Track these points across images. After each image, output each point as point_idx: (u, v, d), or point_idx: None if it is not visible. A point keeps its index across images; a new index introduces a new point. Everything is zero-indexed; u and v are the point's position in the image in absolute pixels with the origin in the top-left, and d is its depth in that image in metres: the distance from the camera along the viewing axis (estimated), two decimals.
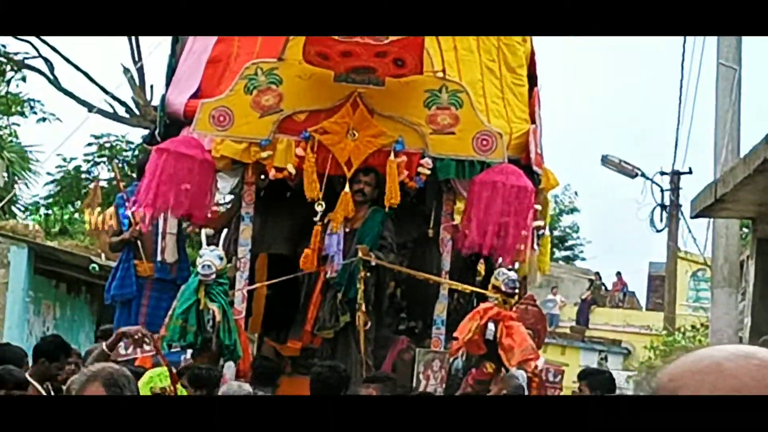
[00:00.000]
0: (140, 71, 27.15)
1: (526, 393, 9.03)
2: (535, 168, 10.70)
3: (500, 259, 10.23)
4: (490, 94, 10.94)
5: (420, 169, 10.18)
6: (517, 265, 10.25)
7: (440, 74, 10.45)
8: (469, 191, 10.28)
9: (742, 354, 1.66)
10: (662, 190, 32.21)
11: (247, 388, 7.98)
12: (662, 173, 31.97)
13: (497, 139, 10.27)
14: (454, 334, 9.65)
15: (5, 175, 24.67)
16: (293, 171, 10.11)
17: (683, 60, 22.94)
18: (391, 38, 9.82)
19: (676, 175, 31.10)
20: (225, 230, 10.52)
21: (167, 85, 11.68)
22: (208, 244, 9.65)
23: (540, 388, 9.36)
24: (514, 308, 9.64)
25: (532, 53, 11.70)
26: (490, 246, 10.21)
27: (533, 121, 11.00)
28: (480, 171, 10.24)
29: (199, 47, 11.24)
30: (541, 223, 11.01)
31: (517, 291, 9.79)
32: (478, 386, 9.31)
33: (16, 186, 27.68)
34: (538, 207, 10.75)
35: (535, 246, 10.85)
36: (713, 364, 1.65)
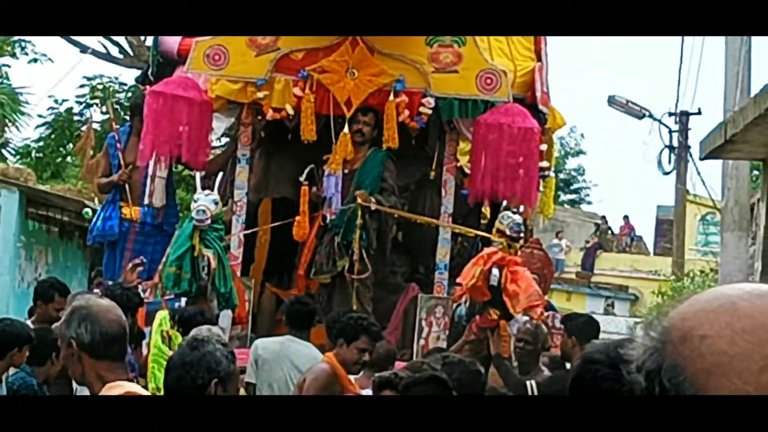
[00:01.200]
0: None
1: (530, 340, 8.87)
2: (540, 107, 10.68)
3: (505, 202, 10.25)
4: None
5: (422, 109, 10.20)
6: (522, 208, 10.23)
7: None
8: (474, 133, 10.32)
9: (756, 293, 1.63)
10: (670, 132, 32.10)
11: (216, 331, 7.89)
12: (670, 114, 31.62)
13: (501, 78, 10.27)
14: (458, 280, 9.63)
15: None
16: (291, 111, 10.15)
17: None
18: None
19: (684, 115, 30.88)
20: (220, 173, 10.47)
21: None
22: (203, 188, 9.65)
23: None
24: (519, 252, 9.58)
25: None
26: (501, 194, 10.25)
27: (539, 59, 10.96)
28: (484, 110, 10.26)
29: None
30: (546, 164, 10.97)
31: (522, 235, 9.73)
32: (482, 333, 9.18)
33: (6, 129, 28.06)
34: (544, 147, 10.73)
35: (540, 188, 10.88)
36: (728, 303, 1.62)
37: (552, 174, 11.56)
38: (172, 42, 10.67)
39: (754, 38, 17.12)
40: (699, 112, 30.49)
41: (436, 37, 10.18)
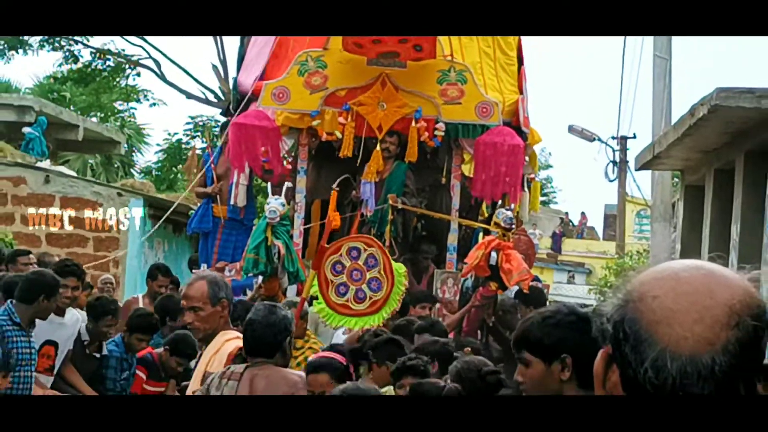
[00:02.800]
0: (224, 65, 27.25)
1: (519, 310, 8.86)
2: (523, 128, 10.66)
3: (499, 201, 10.26)
4: (487, 73, 10.93)
5: (436, 132, 10.15)
6: (513, 206, 10.16)
7: (449, 58, 10.45)
8: (474, 149, 10.27)
9: (694, 267, 1.73)
10: (613, 151, 32.28)
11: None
12: (613, 138, 31.97)
13: (494, 107, 10.22)
14: (465, 260, 9.51)
15: (126, 146, 24.91)
16: (340, 135, 10.10)
17: (624, 52, 23.87)
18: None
19: (623, 139, 31.04)
20: (285, 182, 10.32)
21: (238, 69, 11.77)
22: (273, 194, 9.53)
23: None
24: (510, 239, 9.46)
25: (520, 40, 11.64)
26: (496, 195, 10.30)
27: (521, 92, 10.98)
28: (481, 132, 10.23)
29: (262, 39, 11.21)
30: (531, 173, 11.06)
31: (513, 226, 9.66)
32: (484, 300, 9.11)
33: (134, 154, 29.04)
34: (527, 159, 10.77)
35: (525, 189, 10.80)
36: (673, 273, 1.72)
37: (537, 179, 11.49)
38: (248, 85, 10.72)
39: (673, 83, 17.60)
40: (634, 136, 30.92)
41: (444, 77, 10.16)
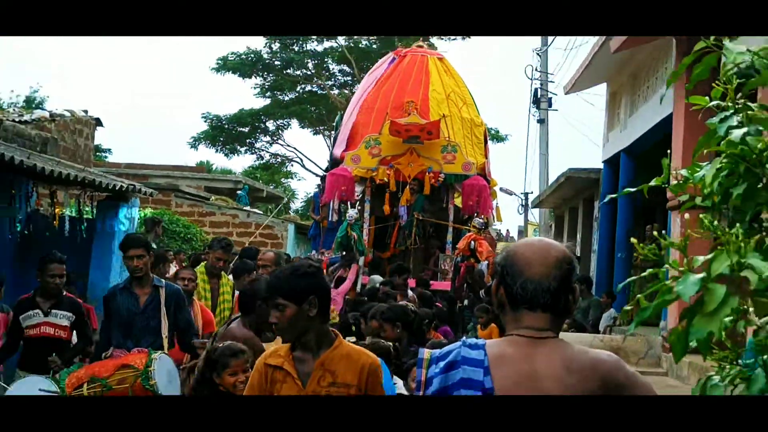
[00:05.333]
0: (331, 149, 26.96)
1: (486, 274, 8.80)
2: (488, 177, 10.63)
3: (475, 215, 10.12)
4: (468, 146, 10.79)
5: (439, 179, 10.16)
6: (483, 217, 10.10)
7: (448, 139, 10.40)
8: (462, 188, 10.20)
9: (540, 239, 1.79)
10: (523, 199, 30.27)
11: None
12: (523, 193, 29.76)
13: (472, 165, 10.22)
14: (457, 246, 9.67)
15: (285, 199, 24.16)
16: (386, 180, 10.13)
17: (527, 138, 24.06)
18: (426, 122, 10.01)
19: (525, 194, 28.43)
20: (357, 205, 10.37)
21: (333, 146, 11.75)
22: (351, 207, 9.82)
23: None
24: (482, 234, 9.64)
25: (486, 130, 11.53)
26: (475, 211, 10.15)
27: (486, 157, 10.95)
28: (465, 179, 10.16)
29: (345, 129, 11.10)
30: (495, 203, 10.88)
31: (484, 227, 9.77)
32: (467, 272, 9.18)
33: (290, 203, 27.71)
34: (492, 192, 10.70)
35: (493, 211, 10.71)
36: (530, 241, 1.80)
37: (497, 204, 11.12)
38: (337, 154, 10.70)
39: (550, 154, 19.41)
40: (531, 192, 29.10)
41: (444, 149, 10.05)
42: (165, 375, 3.65)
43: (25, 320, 4.50)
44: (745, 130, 1.18)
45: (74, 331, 4.64)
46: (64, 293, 4.62)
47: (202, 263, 5.97)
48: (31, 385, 3.66)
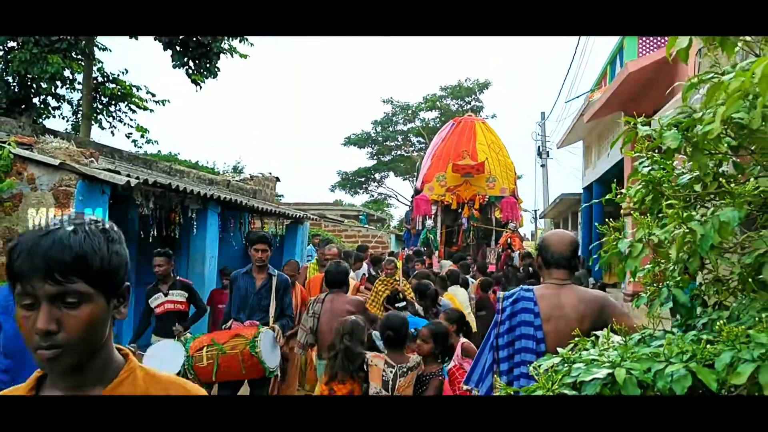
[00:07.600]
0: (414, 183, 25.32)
1: (518, 259, 8.39)
2: (518, 197, 10.33)
3: (510, 221, 9.86)
4: (503, 177, 10.42)
5: (485, 199, 9.94)
6: (514, 224, 9.89)
7: (490, 173, 10.08)
8: (500, 205, 9.97)
9: (558, 231, 1.74)
10: (533, 214, 27.58)
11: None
12: (534, 209, 26.97)
13: (507, 190, 9.98)
14: (498, 242, 9.50)
15: (387, 219, 21.69)
16: (451, 201, 10.01)
17: (536, 167, 20.62)
18: (475, 163, 9.77)
19: (534, 210, 25.95)
20: (432, 218, 10.27)
21: (415, 179, 11.73)
22: (428, 219, 9.75)
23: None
24: (515, 234, 9.47)
25: (514, 167, 10.99)
26: (510, 219, 9.84)
27: (515, 185, 10.55)
28: (502, 199, 9.91)
29: (423, 167, 10.92)
30: (521, 213, 10.51)
31: (515, 230, 9.58)
32: (506, 258, 8.79)
33: (390, 221, 24.08)
34: (520, 207, 10.38)
35: (521, 220, 10.38)
36: (553, 232, 1.73)
37: (522, 215, 10.63)
38: (419, 186, 10.59)
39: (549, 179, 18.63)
40: (538, 209, 26.56)
41: (487, 180, 9.74)
42: (269, 345, 3.20)
43: (152, 302, 4.01)
44: (651, 167, 1.39)
45: (191, 305, 4.12)
46: (177, 278, 4.06)
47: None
48: (163, 345, 3.29)
